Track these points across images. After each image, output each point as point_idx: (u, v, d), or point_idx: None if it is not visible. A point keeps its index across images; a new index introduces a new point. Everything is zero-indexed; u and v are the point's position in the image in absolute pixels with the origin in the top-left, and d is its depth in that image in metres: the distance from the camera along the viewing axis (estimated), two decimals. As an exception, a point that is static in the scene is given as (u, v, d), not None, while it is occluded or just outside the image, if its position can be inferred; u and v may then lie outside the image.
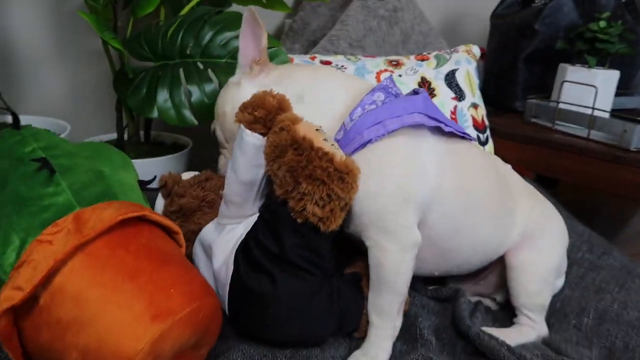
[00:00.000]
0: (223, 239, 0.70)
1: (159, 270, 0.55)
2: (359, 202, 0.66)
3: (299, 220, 0.62)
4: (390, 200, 0.66)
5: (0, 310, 0.50)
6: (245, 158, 0.66)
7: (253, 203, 0.70)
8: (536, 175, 1.47)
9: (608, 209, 1.96)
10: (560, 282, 0.85)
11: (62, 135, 1.12)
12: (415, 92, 0.74)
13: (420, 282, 0.87)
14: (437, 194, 0.70)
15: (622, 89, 1.44)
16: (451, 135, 0.74)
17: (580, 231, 1.09)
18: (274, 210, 0.65)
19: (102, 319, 0.51)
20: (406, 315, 0.77)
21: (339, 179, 0.60)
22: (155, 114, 1.04)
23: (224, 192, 0.70)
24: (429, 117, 0.69)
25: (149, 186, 0.75)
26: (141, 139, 1.31)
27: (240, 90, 0.78)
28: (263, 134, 0.66)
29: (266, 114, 0.65)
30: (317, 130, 0.65)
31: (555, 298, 0.84)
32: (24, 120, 1.22)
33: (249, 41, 0.78)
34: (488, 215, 0.76)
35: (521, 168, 1.28)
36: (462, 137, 0.77)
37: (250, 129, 0.66)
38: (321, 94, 0.73)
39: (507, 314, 0.83)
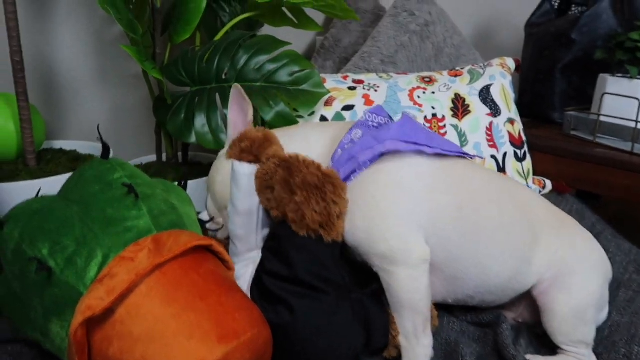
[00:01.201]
0: (237, 280, 0.72)
1: (225, 294, 0.60)
2: (351, 236, 0.68)
3: (302, 233, 0.65)
4: (379, 229, 0.67)
5: (82, 318, 0.54)
6: (240, 188, 0.70)
7: (256, 235, 0.72)
8: (576, 190, 1.43)
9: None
10: (603, 314, 0.80)
11: (104, 160, 1.16)
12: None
13: (458, 308, 0.86)
14: (431, 215, 0.69)
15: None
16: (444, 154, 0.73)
17: (627, 249, 1.05)
18: (276, 235, 0.69)
19: (172, 334, 0.54)
20: (445, 340, 0.76)
21: (330, 183, 0.65)
22: (193, 138, 1.07)
23: (229, 228, 0.73)
24: (405, 141, 0.69)
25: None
26: (179, 160, 1.35)
27: (227, 162, 0.80)
28: (252, 162, 0.70)
29: (251, 144, 0.70)
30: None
31: (603, 324, 0.81)
32: (68, 145, 1.28)
33: (237, 115, 0.81)
34: (494, 242, 0.72)
35: (561, 183, 1.25)
36: (460, 156, 0.75)
37: (239, 159, 0.70)
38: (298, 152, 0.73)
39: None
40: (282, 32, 1.34)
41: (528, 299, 0.80)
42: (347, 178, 0.68)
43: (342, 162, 0.68)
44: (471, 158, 0.77)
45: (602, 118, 1.27)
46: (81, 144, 1.29)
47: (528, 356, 0.72)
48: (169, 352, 0.53)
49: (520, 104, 1.58)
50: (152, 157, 1.35)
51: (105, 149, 0.72)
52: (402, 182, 0.68)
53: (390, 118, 0.77)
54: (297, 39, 1.60)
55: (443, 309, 0.84)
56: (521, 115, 1.28)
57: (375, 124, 0.73)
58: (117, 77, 1.37)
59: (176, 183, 0.82)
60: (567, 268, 0.75)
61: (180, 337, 0.54)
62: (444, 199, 0.70)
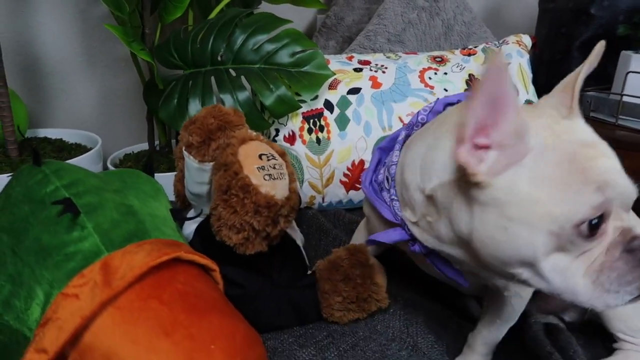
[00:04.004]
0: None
1: (197, 322, 0.49)
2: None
3: (217, 238, 0.64)
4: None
5: None
6: (190, 174, 0.72)
7: (207, 206, 0.73)
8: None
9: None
10: None
11: (93, 150, 1.08)
12: None
13: (477, 304, 0.80)
14: None
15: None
16: None
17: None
18: (204, 226, 0.69)
19: None
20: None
21: (255, 211, 0.62)
22: (187, 126, 0.98)
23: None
24: None
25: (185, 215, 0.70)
26: (173, 148, 1.26)
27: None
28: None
29: (200, 141, 0.69)
30: (262, 155, 0.64)
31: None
32: (54, 133, 1.20)
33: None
34: None
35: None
36: None
37: (187, 152, 0.70)
38: None
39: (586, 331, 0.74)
40: (279, 10, 1.25)
41: None
42: None
43: None
44: None
45: (625, 98, 1.18)
46: (68, 131, 1.20)
47: None
48: None
49: (535, 84, 1.49)
50: (145, 145, 1.26)
51: (36, 154, 0.59)
52: None
53: None
54: (296, 17, 1.49)
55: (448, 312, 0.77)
56: (537, 97, 1.19)
57: None
58: (106, 59, 1.28)
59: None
60: None
61: None
62: None
